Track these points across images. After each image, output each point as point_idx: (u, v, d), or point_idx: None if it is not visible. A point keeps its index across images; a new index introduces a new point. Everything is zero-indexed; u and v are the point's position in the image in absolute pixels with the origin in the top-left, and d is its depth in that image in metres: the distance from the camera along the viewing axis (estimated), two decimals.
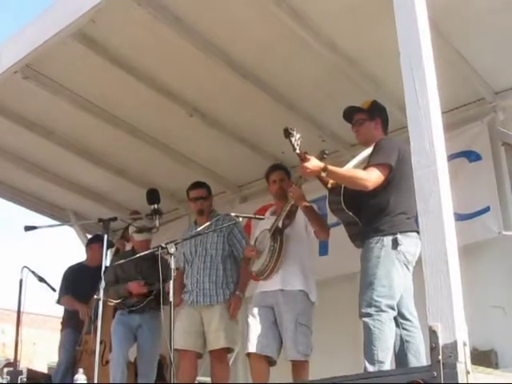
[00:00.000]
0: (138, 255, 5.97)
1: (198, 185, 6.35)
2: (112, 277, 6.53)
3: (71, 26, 5.34)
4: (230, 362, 6.43)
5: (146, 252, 5.70)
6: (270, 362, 5.33)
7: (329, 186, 4.85)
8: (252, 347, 5.29)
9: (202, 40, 5.61)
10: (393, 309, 4.29)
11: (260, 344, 5.28)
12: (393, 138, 4.85)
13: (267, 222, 5.65)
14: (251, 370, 5.39)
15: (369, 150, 4.76)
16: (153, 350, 6.62)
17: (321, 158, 4.86)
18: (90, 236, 8.72)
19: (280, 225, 5.43)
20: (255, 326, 5.36)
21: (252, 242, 5.79)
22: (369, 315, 4.24)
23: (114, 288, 6.55)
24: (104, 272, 5.24)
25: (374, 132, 4.85)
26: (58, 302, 7.67)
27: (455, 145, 6.00)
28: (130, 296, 6.57)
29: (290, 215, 5.50)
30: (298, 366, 5.25)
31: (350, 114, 5.00)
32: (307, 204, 5.31)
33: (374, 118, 4.87)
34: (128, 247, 7.44)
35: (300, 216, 5.52)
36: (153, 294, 6.50)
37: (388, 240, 4.38)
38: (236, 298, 5.91)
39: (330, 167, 4.53)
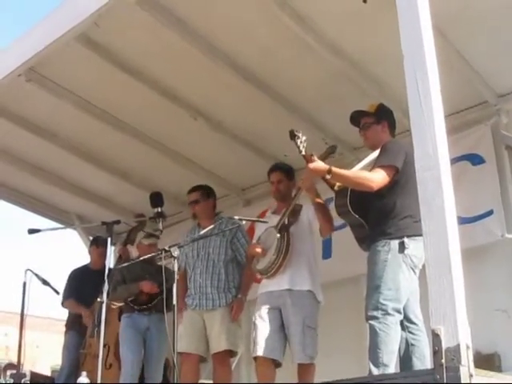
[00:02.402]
0: (143, 257, 5.97)
1: (192, 189, 6.38)
2: (119, 277, 6.56)
3: (75, 29, 5.36)
4: (233, 365, 6.43)
5: (150, 255, 5.70)
6: (276, 364, 5.32)
7: (335, 188, 4.83)
8: (260, 350, 5.28)
9: (206, 43, 5.62)
10: (399, 312, 4.29)
11: (268, 347, 5.25)
12: (399, 141, 4.85)
13: (270, 221, 5.64)
14: (258, 373, 5.35)
15: (375, 153, 4.76)
16: (160, 353, 6.67)
17: (328, 153, 4.89)
18: None
19: (286, 222, 5.42)
20: (263, 328, 5.33)
21: (254, 241, 5.77)
22: (375, 318, 4.24)
23: (124, 286, 6.58)
24: (108, 275, 5.24)
25: (381, 135, 4.85)
26: (62, 304, 7.69)
27: (459, 148, 5.99)
28: (140, 295, 6.60)
29: (295, 214, 5.49)
30: (305, 369, 5.24)
31: (356, 117, 5.00)
32: (317, 196, 5.29)
33: (380, 121, 4.88)
34: (132, 251, 7.43)
35: (304, 215, 5.51)
36: (163, 294, 6.54)
37: (395, 243, 4.38)
38: (238, 302, 5.90)
39: (335, 169, 4.52)
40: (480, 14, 5.22)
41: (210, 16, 5.35)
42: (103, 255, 7.49)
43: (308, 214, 5.50)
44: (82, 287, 7.39)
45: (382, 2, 4.58)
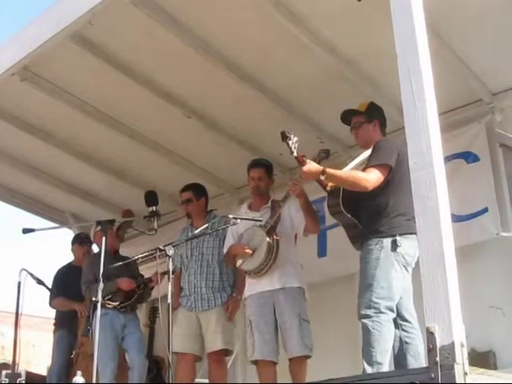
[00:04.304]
0: (136, 257, 5.95)
1: (185, 188, 6.39)
2: (91, 276, 6.51)
3: (69, 28, 5.34)
4: (229, 365, 6.44)
5: (145, 253, 5.69)
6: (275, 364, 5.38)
7: (328, 188, 4.84)
8: (261, 354, 5.31)
9: (200, 42, 5.60)
10: (392, 310, 4.30)
11: (268, 350, 5.32)
12: (392, 139, 4.86)
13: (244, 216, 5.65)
14: (261, 376, 5.40)
15: (368, 152, 4.77)
16: (141, 346, 6.78)
17: (321, 158, 4.89)
18: None
19: (273, 223, 5.45)
20: (263, 332, 5.37)
21: (234, 237, 5.78)
22: (368, 317, 4.25)
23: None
24: (103, 274, 5.22)
25: (372, 134, 4.87)
26: (50, 304, 7.66)
27: (453, 146, 6.01)
28: (117, 292, 6.60)
29: (279, 213, 5.51)
30: (300, 363, 5.29)
31: (347, 116, 5.01)
32: (306, 200, 5.33)
33: (371, 120, 4.89)
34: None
35: (285, 213, 5.54)
36: (141, 288, 6.56)
37: (387, 242, 4.39)
38: (234, 301, 5.92)
39: (329, 170, 4.53)
40: (475, 13, 5.22)
41: (204, 15, 5.34)
42: (88, 253, 7.52)
43: (289, 210, 5.54)
44: (70, 285, 7.35)
45: (377, 1, 4.57)
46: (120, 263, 5.95)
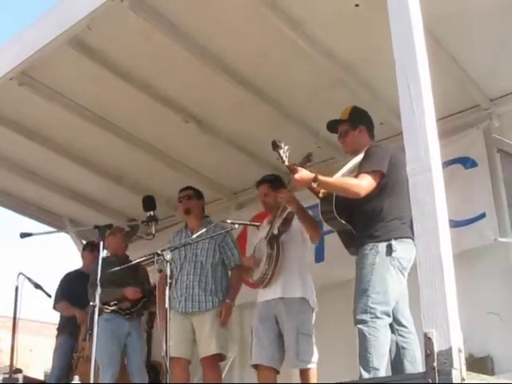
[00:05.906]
0: (135, 261, 5.94)
1: (186, 187, 6.44)
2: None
3: (67, 32, 5.35)
4: (226, 370, 6.43)
5: (143, 258, 5.69)
6: (275, 371, 5.36)
7: (320, 195, 4.81)
8: (260, 359, 5.31)
9: (198, 47, 5.61)
10: (388, 315, 4.28)
11: (268, 356, 5.32)
12: (383, 145, 4.86)
13: (265, 231, 5.66)
14: (260, 380, 5.40)
15: (357, 158, 4.74)
16: (142, 358, 6.76)
17: (305, 163, 4.86)
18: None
19: (276, 231, 5.43)
20: (261, 337, 5.37)
21: (251, 251, 5.80)
22: (364, 322, 4.23)
23: (107, 290, 6.55)
24: (99, 278, 5.21)
25: (359, 140, 4.84)
26: (54, 307, 7.67)
27: (451, 151, 6.02)
28: (123, 299, 6.60)
29: (287, 222, 5.51)
30: (305, 373, 5.28)
31: (333, 126, 5.02)
32: (298, 206, 5.31)
33: (356, 126, 4.86)
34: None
35: (296, 223, 5.53)
36: (146, 296, 6.57)
37: (382, 246, 4.37)
38: (226, 306, 5.91)
39: (321, 177, 4.50)
40: (473, 18, 5.23)
41: (202, 20, 5.34)
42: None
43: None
44: (75, 291, 7.37)
45: (374, 6, 4.59)
46: (123, 266, 5.91)
